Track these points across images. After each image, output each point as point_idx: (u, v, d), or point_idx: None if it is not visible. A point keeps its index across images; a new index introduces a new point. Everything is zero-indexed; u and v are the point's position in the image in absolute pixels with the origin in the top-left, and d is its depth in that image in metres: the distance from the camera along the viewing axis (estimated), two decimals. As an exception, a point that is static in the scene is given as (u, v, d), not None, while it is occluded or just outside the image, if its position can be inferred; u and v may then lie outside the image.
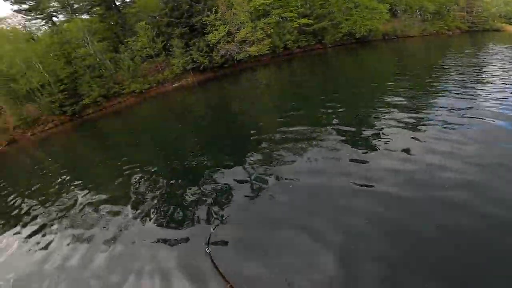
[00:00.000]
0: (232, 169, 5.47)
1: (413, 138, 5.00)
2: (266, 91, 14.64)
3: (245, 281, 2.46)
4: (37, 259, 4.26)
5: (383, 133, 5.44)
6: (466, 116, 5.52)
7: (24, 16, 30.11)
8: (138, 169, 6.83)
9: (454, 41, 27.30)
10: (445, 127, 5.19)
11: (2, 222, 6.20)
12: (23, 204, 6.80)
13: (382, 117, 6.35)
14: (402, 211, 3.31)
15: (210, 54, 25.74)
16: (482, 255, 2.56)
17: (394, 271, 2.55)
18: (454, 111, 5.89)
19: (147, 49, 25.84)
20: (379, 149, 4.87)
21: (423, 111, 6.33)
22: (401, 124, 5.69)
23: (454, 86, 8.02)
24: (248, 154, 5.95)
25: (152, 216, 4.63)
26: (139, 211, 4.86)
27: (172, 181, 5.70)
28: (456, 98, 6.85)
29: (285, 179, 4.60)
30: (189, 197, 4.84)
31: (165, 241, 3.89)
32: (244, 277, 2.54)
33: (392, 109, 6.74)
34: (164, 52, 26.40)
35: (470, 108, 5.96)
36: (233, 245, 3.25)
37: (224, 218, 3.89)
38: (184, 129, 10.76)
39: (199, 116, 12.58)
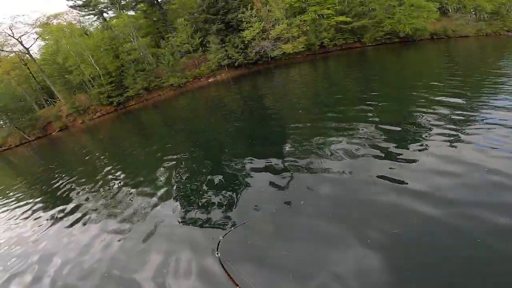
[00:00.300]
0: (259, 163, 5.32)
1: (460, 142, 4.43)
2: (300, 88, 14.33)
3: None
4: (74, 239, 4.54)
5: (424, 135, 4.89)
6: None
7: (79, 12, 33.16)
8: (171, 157, 7.15)
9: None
10: (496, 136, 4.49)
11: (48, 200, 6.91)
12: (67, 185, 7.46)
13: (425, 118, 5.67)
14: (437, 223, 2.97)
15: (245, 50, 26.07)
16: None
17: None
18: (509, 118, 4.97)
19: (186, 44, 26.99)
20: (418, 150, 4.42)
21: (474, 116, 5.48)
22: (446, 127, 5.05)
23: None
24: (278, 149, 5.81)
25: (175, 205, 4.66)
26: (166, 197, 5.00)
27: (200, 171, 5.78)
28: None
29: (315, 178, 4.30)
30: (214, 193, 4.76)
31: (181, 233, 3.89)
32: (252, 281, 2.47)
33: (439, 111, 5.95)
34: (201, 48, 27.37)
35: None
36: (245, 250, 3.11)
37: (243, 220, 3.70)
38: (217, 122, 10.97)
39: (232, 110, 12.72)
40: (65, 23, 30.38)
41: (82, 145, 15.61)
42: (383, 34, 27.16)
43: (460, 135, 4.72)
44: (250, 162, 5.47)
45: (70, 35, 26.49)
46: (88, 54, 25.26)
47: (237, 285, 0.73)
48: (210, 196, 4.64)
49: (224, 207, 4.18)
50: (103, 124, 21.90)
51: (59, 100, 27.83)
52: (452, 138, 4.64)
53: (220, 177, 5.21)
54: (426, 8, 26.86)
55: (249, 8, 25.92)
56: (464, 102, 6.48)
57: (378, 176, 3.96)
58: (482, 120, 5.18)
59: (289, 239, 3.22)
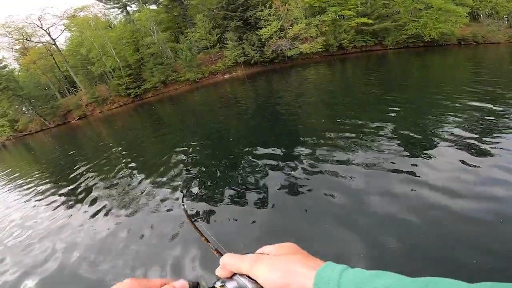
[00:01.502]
0: (268, 159, 5.30)
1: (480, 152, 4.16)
2: (315, 89, 14.05)
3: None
4: (84, 226, 4.51)
5: (441, 143, 4.67)
6: None
7: (104, 5, 34.31)
8: (182, 149, 7.24)
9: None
10: None
11: (63, 185, 7.04)
12: (84, 171, 7.62)
13: (445, 126, 5.43)
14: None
15: (262, 48, 25.95)
16: None
17: None
18: None
19: (204, 40, 27.23)
20: (433, 157, 4.22)
21: (494, 133, 5.04)
22: (468, 136, 4.85)
23: None
24: (289, 148, 5.72)
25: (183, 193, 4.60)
26: (174, 187, 4.96)
27: (210, 163, 5.84)
28: None
29: (325, 178, 4.25)
30: (224, 184, 4.71)
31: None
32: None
33: (460, 119, 5.69)
34: (218, 44, 27.51)
35: None
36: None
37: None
38: (229, 118, 11.00)
39: (246, 107, 12.68)
40: (91, 16, 31.51)
41: (98, 134, 16.17)
42: (407, 37, 26.16)
43: (481, 147, 4.38)
44: (261, 159, 5.38)
45: (95, 28, 27.39)
46: (111, 46, 26.05)
47: (202, 236, 0.66)
48: (217, 189, 4.56)
49: (233, 202, 4.10)
50: (120, 115, 22.51)
51: (81, 89, 28.90)
52: (473, 151, 4.32)
53: (231, 171, 5.14)
54: (455, 12, 25.58)
55: (268, 6, 25.77)
56: (488, 114, 5.94)
57: (393, 184, 3.74)
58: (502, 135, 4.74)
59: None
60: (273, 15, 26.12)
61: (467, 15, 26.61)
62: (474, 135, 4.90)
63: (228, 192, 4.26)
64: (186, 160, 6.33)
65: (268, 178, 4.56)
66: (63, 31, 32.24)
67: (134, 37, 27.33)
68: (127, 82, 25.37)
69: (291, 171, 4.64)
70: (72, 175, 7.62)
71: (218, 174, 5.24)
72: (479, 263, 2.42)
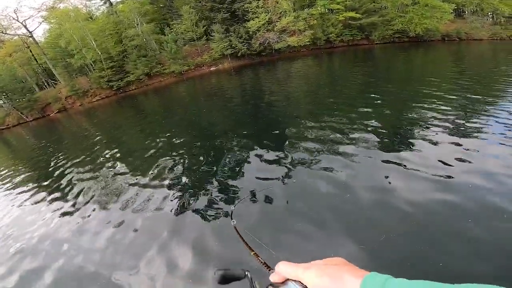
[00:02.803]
0: (251, 152, 5.28)
1: (456, 145, 4.20)
2: (301, 82, 13.99)
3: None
4: (60, 222, 4.36)
5: (423, 137, 4.70)
6: None
7: (86, -4, 32.88)
8: (166, 142, 7.12)
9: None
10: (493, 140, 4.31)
11: (41, 179, 6.74)
12: (60, 166, 7.32)
13: (425, 120, 5.48)
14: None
15: (249, 41, 25.54)
16: None
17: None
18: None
19: (190, 32, 26.55)
20: (414, 150, 4.25)
21: (475, 119, 5.29)
22: (446, 130, 4.88)
23: None
24: (273, 140, 5.74)
25: (170, 187, 4.58)
26: (158, 180, 4.88)
27: (195, 155, 5.79)
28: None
29: (302, 167, 4.33)
30: (209, 174, 4.75)
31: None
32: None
33: (439, 113, 5.76)
34: (205, 36, 26.89)
35: None
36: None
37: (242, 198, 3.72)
38: (214, 110, 10.82)
39: (231, 99, 12.54)
40: (71, 7, 30.19)
41: (78, 127, 15.52)
42: (393, 32, 26.33)
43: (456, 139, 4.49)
44: (246, 151, 5.45)
45: (75, 20, 26.27)
46: (91, 38, 25.02)
47: (252, 250, 0.64)
48: (202, 183, 4.49)
49: (218, 193, 4.11)
50: (101, 107, 21.71)
51: (60, 82, 27.71)
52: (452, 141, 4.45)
53: (215, 163, 5.08)
54: (440, 8, 25.92)
55: (256, -1, 25.33)
56: (463, 108, 6.16)
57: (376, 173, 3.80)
58: (478, 129, 4.89)
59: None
60: (261, 8, 25.68)
61: (452, 11, 27.03)
62: (455, 126, 5.03)
63: (213, 187, 4.26)
64: (168, 154, 6.17)
65: (249, 167, 4.62)
66: (40, 23, 30.85)
67: (117, 29, 26.34)
68: (109, 75, 24.46)
69: (278, 164, 4.55)
70: (52, 171, 7.24)
71: (201, 169, 5.09)
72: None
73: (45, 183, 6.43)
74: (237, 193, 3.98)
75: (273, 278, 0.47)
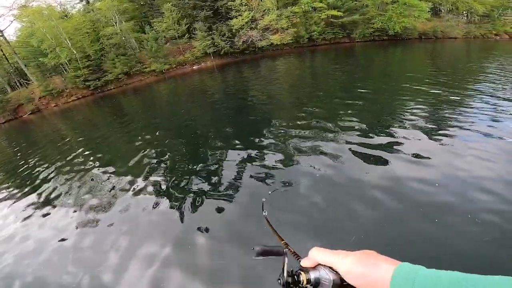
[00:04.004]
0: (237, 151, 5.17)
1: (433, 144, 4.27)
2: (284, 80, 13.98)
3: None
4: (40, 228, 4.10)
5: (400, 135, 4.76)
6: (494, 127, 4.66)
7: (60, -7, 31.47)
8: (146, 142, 6.90)
9: (500, 46, 24.39)
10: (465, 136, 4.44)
11: (15, 185, 6.28)
12: (34, 169, 6.91)
13: (403, 117, 5.59)
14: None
15: (232, 39, 25.29)
16: None
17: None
18: (485, 120, 5.02)
19: (171, 30, 25.95)
20: (391, 150, 4.25)
21: (449, 115, 5.50)
22: (423, 126, 5.00)
23: (489, 94, 6.87)
24: (257, 138, 5.62)
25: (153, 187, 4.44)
26: (145, 184, 4.65)
27: (178, 157, 5.60)
28: (488, 105, 5.87)
29: (289, 165, 4.27)
30: (192, 173, 4.64)
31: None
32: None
33: (417, 111, 5.93)
34: (187, 35, 26.39)
35: (498, 118, 5.04)
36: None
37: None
38: (197, 109, 10.55)
39: (213, 98, 12.33)
40: (44, 6, 28.81)
41: (53, 128, 14.70)
42: (373, 31, 26.91)
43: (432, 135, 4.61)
44: (228, 151, 5.26)
45: (48, 18, 25.04)
46: (65, 37, 23.91)
47: (282, 240, 0.65)
48: (186, 185, 4.32)
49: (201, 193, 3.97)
50: (77, 108, 20.73)
51: (33, 82, 26.33)
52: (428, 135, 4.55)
53: (199, 164, 4.95)
54: (418, 7, 26.74)
55: (239, -4, 25.13)
56: (439, 104, 6.38)
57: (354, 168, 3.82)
58: (452, 125, 5.11)
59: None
60: (244, 6, 25.51)
61: (429, 10, 27.98)
62: (432, 120, 5.20)
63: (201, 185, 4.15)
64: (147, 154, 5.99)
65: (231, 165, 4.57)
66: (12, 22, 29.16)
67: (95, 27, 25.33)
68: (86, 74, 23.42)
69: (258, 161, 4.51)
70: (26, 175, 6.75)
71: (183, 167, 4.99)
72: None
73: (19, 187, 6.07)
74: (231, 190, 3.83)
75: (305, 263, 0.48)
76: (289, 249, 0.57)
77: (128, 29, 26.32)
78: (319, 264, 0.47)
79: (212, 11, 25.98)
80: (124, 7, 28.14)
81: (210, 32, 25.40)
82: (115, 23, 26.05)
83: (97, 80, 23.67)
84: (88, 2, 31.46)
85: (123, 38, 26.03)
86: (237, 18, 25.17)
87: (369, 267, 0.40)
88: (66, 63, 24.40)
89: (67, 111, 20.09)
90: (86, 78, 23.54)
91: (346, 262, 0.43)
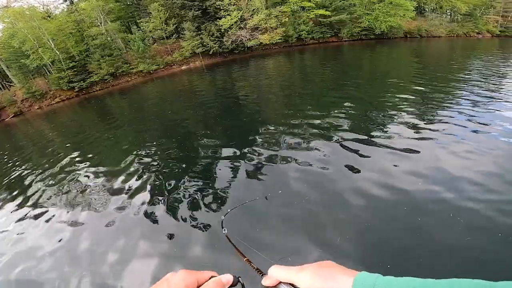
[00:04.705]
0: (228, 152, 5.16)
1: (419, 139, 4.41)
2: (273, 79, 14.00)
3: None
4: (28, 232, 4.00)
5: (388, 131, 4.90)
6: (476, 121, 4.88)
7: (44, -6, 30.55)
8: (133, 144, 6.76)
9: (482, 44, 25.22)
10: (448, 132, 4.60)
11: (2, 189, 6.06)
12: (21, 173, 6.71)
13: (390, 115, 5.74)
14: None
15: (221, 39, 25.13)
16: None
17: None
18: (467, 115, 5.23)
19: (159, 30, 25.56)
20: (379, 145, 4.36)
21: (434, 112, 5.70)
22: (409, 124, 5.14)
23: (471, 90, 7.19)
24: (247, 138, 5.67)
25: (147, 193, 4.32)
26: (134, 186, 4.55)
27: (168, 158, 5.53)
28: (471, 102, 6.11)
29: (279, 163, 4.32)
30: (185, 178, 4.55)
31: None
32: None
33: (403, 107, 6.12)
34: (175, 35, 26.04)
35: (484, 113, 5.28)
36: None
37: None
38: (185, 110, 10.40)
39: (203, 99, 12.17)
40: (26, 6, 27.83)
41: (37, 132, 14.20)
42: (360, 30, 27.32)
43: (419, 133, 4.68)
44: (219, 151, 5.23)
45: (30, 19, 24.22)
46: (48, 37, 23.18)
47: (245, 257, 0.62)
48: (178, 187, 4.24)
49: (194, 198, 3.89)
50: (62, 110, 20.12)
51: (15, 84, 25.41)
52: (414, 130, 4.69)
53: (189, 166, 4.89)
54: (403, 6, 27.31)
55: (228, -4, 24.98)
56: (424, 102, 6.59)
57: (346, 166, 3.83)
58: (436, 121, 5.25)
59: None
60: (233, 5, 25.39)
61: (414, 9, 28.64)
62: (417, 116, 5.35)
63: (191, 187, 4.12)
64: (134, 155, 5.88)
65: (221, 166, 4.51)
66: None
67: (79, 27, 24.64)
68: (70, 75, 22.74)
69: (249, 160, 4.48)
70: (12, 179, 6.50)
71: (174, 170, 4.91)
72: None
73: (6, 190, 5.91)
74: (219, 199, 3.79)
75: (266, 282, 0.47)
76: (252, 266, 0.55)
77: (114, 29, 25.74)
78: (280, 282, 0.46)
79: (200, 11, 25.73)
80: (109, 7, 27.49)
81: (199, 32, 25.16)
82: (100, 23, 25.44)
83: (82, 81, 23.03)
84: (72, 2, 30.62)
85: (109, 38, 25.45)
86: (225, 17, 25.04)
87: (327, 281, 0.40)
88: (49, 64, 23.65)
89: (51, 114, 19.48)
90: (70, 79, 22.86)
91: (305, 278, 0.42)
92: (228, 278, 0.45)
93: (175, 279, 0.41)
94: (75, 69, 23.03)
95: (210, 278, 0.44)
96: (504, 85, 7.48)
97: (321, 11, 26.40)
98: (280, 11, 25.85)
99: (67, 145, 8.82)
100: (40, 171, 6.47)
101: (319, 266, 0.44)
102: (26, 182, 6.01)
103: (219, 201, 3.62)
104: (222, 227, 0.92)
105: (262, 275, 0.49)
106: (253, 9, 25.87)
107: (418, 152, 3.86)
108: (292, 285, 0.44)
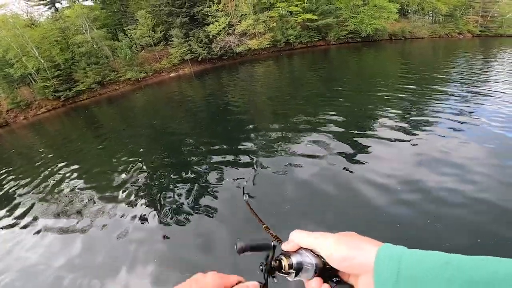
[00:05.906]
0: (220, 156, 5.23)
1: (406, 140, 4.59)
2: (263, 85, 14.16)
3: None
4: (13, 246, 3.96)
5: (377, 133, 5.08)
6: (464, 121, 5.13)
7: (27, 2, 29.99)
8: (122, 154, 6.70)
9: (463, 45, 26.15)
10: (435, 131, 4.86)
11: None
12: (6, 186, 6.59)
13: (378, 116, 5.94)
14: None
15: (209, 45, 25.19)
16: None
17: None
18: (453, 115, 5.49)
19: (146, 37, 25.41)
20: (369, 147, 4.54)
21: (420, 112, 5.93)
22: (397, 125, 5.35)
23: (455, 90, 7.52)
24: (239, 143, 5.74)
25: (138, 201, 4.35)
26: (124, 194, 4.58)
27: (156, 165, 5.54)
28: (456, 101, 6.43)
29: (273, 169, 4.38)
30: (179, 183, 4.60)
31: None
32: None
33: (390, 109, 6.32)
34: (163, 41, 25.94)
35: (470, 112, 5.56)
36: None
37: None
38: (175, 117, 10.36)
39: (193, 105, 12.17)
40: (9, 14, 27.22)
41: (23, 143, 13.87)
42: (347, 33, 27.89)
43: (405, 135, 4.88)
44: (211, 157, 5.27)
45: (12, 27, 23.70)
46: (32, 46, 22.72)
47: (263, 224, 0.64)
48: (169, 195, 4.27)
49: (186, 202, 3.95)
50: (48, 121, 19.70)
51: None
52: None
53: (179, 171, 4.93)
54: (387, 9, 28.08)
55: (215, 2, 25.08)
56: (410, 103, 6.83)
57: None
58: (423, 122, 5.39)
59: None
60: (221, 11, 25.52)
61: (397, 11, 29.48)
62: (404, 116, 5.59)
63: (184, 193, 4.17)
64: (123, 165, 5.84)
65: (214, 170, 4.55)
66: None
67: (64, 35, 24.24)
68: (55, 84, 22.29)
69: (239, 166, 4.54)
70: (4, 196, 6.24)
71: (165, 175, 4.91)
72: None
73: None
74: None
75: (286, 247, 0.46)
76: (270, 233, 0.55)
77: (100, 36, 25.43)
78: (301, 248, 0.45)
79: (188, 18, 25.76)
80: (95, 14, 27.17)
81: (187, 39, 25.14)
82: (85, 30, 25.10)
83: (67, 90, 22.60)
84: (56, 10, 30.11)
85: (95, 46, 25.12)
86: (214, 24, 25.13)
87: (351, 250, 0.39)
88: (34, 73, 23.15)
89: (38, 125, 19.01)
90: (56, 88, 22.40)
91: (328, 245, 0.41)
92: (255, 284, 0.44)
93: (204, 280, 0.41)
94: (60, 78, 22.60)
95: (237, 283, 0.43)
96: (487, 81, 7.99)
97: (308, 15, 26.85)
98: (268, 16, 26.14)
99: (53, 155, 8.71)
100: (27, 181, 6.42)
101: (344, 234, 0.42)
102: (13, 194, 5.94)
103: (211, 206, 3.72)
104: (244, 193, 0.99)
105: (280, 243, 0.49)
106: (241, 15, 26.07)
107: (402, 149, 4.15)
108: (313, 251, 0.43)
